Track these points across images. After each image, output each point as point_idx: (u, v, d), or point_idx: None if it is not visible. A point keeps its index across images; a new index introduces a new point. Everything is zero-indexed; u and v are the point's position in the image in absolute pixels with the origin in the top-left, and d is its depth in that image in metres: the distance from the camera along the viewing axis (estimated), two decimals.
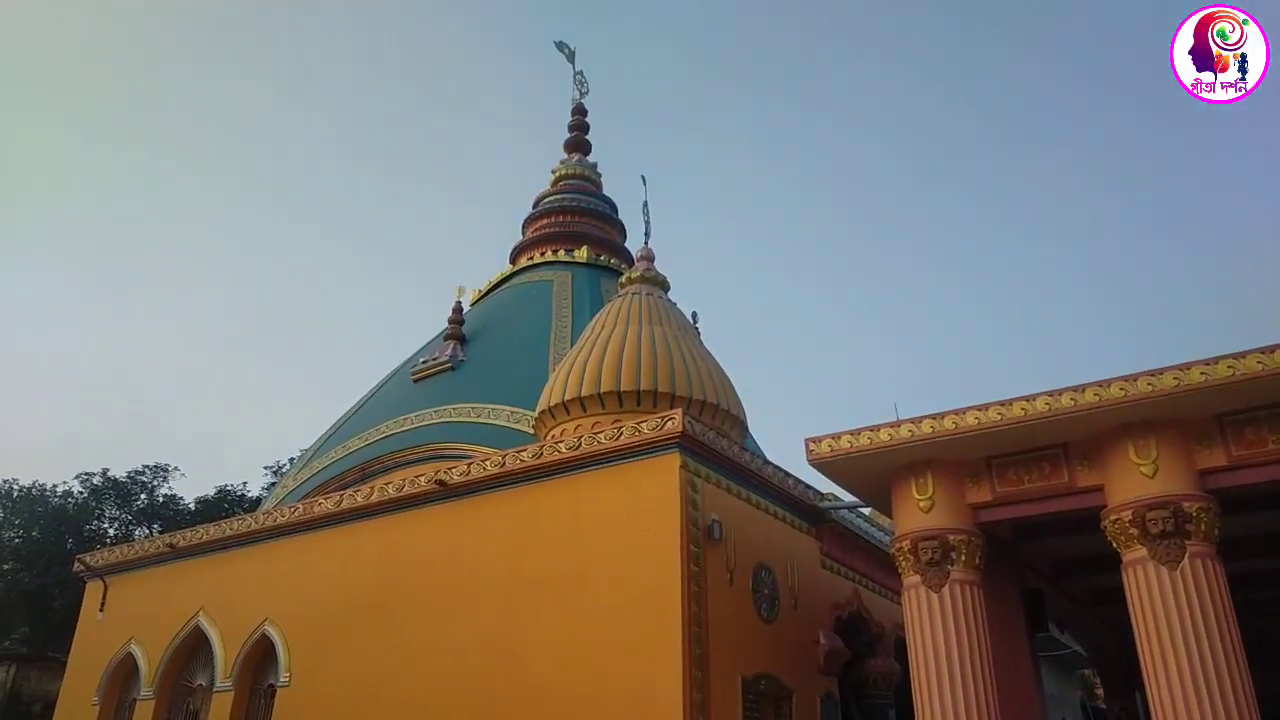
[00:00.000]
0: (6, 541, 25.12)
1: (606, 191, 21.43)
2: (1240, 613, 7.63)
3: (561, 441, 10.37)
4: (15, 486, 25.72)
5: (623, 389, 11.55)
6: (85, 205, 60.51)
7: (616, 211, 21.04)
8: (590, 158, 21.91)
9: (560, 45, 22.59)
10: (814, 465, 9.00)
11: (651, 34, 67.76)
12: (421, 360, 17.20)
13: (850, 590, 11.89)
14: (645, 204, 14.12)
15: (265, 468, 28.03)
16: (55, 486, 26.07)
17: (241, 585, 12.67)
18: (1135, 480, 7.92)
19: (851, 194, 68.61)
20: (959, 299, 66.37)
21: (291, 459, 23.90)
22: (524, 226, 20.81)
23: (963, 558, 8.55)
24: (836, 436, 8.79)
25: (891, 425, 8.57)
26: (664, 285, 13.59)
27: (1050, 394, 7.93)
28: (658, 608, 8.83)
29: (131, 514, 26.33)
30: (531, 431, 12.84)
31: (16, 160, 58.11)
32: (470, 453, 12.75)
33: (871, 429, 8.65)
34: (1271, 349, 7.20)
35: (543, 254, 19.38)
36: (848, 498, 10.58)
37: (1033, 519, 8.84)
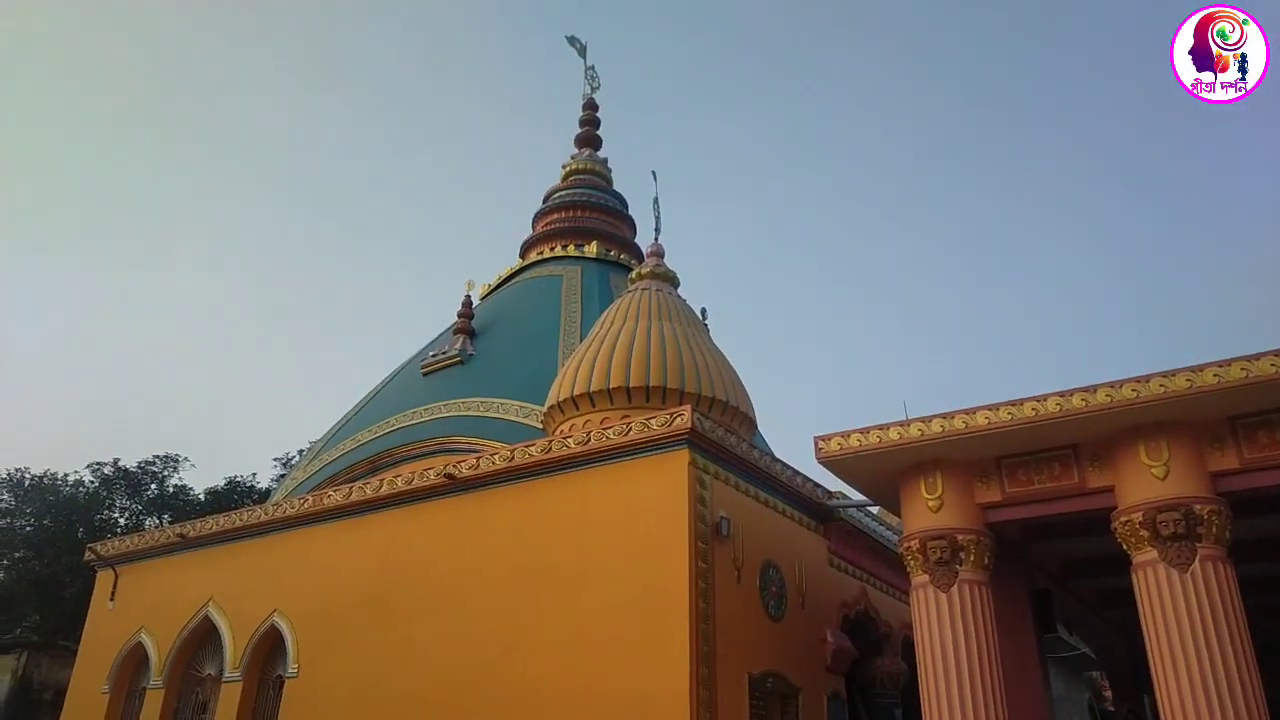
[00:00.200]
0: (18, 530, 25.34)
1: (617, 187, 21.44)
2: (1251, 616, 7.59)
3: (570, 437, 10.38)
4: (27, 475, 25.95)
5: (632, 385, 11.55)
6: (97, 195, 60.84)
7: (627, 207, 21.04)
8: (601, 153, 21.91)
9: (572, 40, 22.61)
10: (823, 463, 8.98)
11: (663, 29, 67.60)
12: (431, 354, 17.24)
13: (858, 589, 11.87)
14: (656, 199, 14.11)
15: (274, 459, 28.23)
16: (66, 476, 26.31)
17: (251, 576, 12.73)
18: (1146, 482, 7.88)
19: (863, 191, 68.39)
20: (969, 298, 66.12)
21: (301, 451, 24.04)
22: (534, 221, 20.82)
23: (971, 558, 8.53)
24: (846, 435, 8.77)
25: (901, 424, 8.54)
26: (674, 281, 13.58)
27: (1061, 394, 7.89)
28: (665, 604, 8.83)
29: (142, 504, 26.53)
30: (540, 426, 12.85)
31: (29, 150, 58.44)
32: (479, 447, 12.79)
33: (881, 428, 8.63)
34: None
35: (552, 249, 19.39)
36: (856, 496, 10.55)
37: (1042, 520, 8.81)
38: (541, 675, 9.32)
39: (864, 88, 65.16)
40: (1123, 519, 7.97)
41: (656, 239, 14.06)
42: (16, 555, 24.77)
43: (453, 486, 11.02)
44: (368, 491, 11.93)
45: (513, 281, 19.35)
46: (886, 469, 8.96)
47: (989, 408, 8.15)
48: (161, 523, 24.04)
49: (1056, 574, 11.04)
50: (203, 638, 13.14)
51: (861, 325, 68.21)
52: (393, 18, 65.83)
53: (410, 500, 11.45)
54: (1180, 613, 7.50)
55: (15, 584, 23.93)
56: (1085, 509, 8.35)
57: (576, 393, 11.88)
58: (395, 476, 11.95)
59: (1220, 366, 7.35)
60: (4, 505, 25.73)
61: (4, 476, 25.70)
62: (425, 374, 16.82)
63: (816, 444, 8.90)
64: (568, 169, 21.31)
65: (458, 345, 16.85)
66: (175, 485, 27.11)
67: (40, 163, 59.27)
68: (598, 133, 22.08)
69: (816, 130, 67.34)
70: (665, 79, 68.09)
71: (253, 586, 12.58)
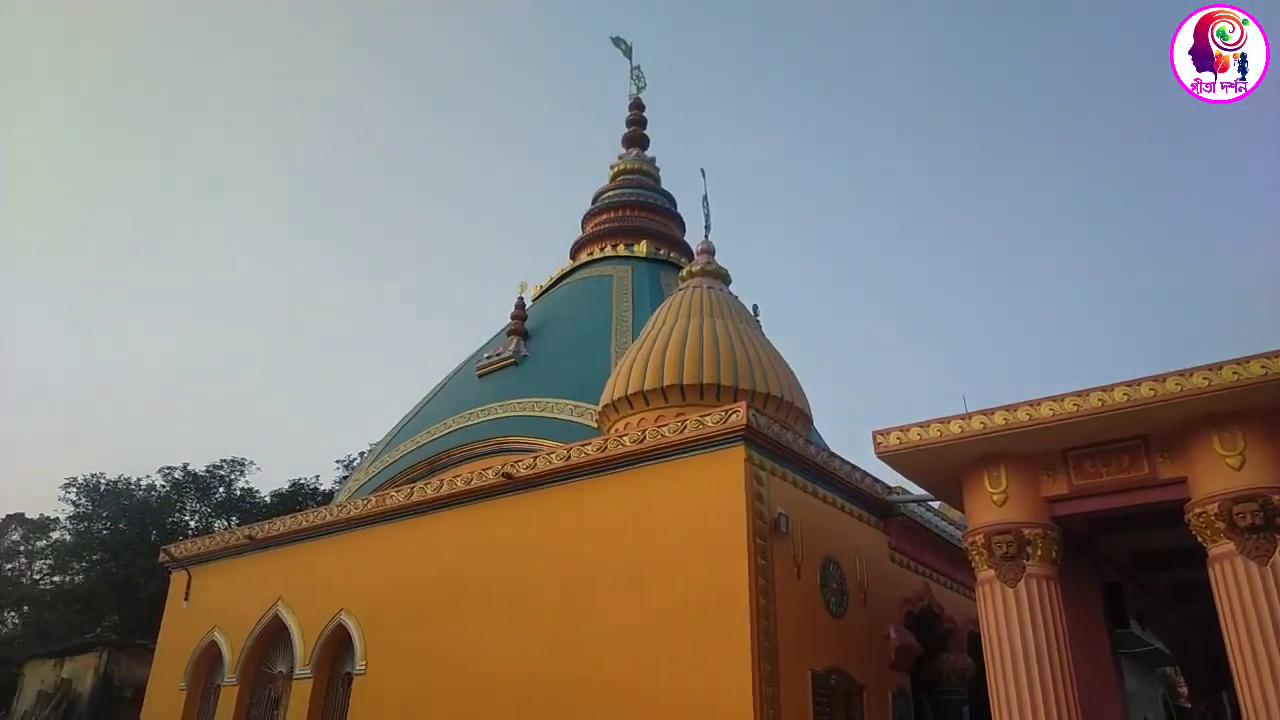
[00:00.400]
0: (95, 533, 26.31)
1: (665, 185, 21.43)
2: None
3: (625, 435, 10.42)
4: (102, 480, 26.92)
5: (686, 382, 11.55)
6: (157, 197, 62.74)
7: (675, 205, 21.02)
8: (648, 152, 21.93)
9: (617, 41, 22.64)
10: (882, 458, 8.87)
11: (708, 26, 67.37)
12: (486, 356, 17.44)
13: (920, 585, 11.71)
14: (705, 197, 14.07)
15: (337, 461, 28.82)
16: (139, 480, 27.22)
17: (317, 576, 13.03)
18: (1221, 472, 7.63)
19: (918, 182, 67.36)
20: (1030, 290, 64.73)
21: (362, 453, 24.50)
22: (584, 222, 20.93)
23: (1039, 552, 8.35)
24: (905, 429, 8.65)
25: (962, 417, 8.40)
26: (725, 278, 13.53)
27: (1129, 384, 7.68)
28: (725, 601, 8.83)
29: (210, 507, 27.33)
30: (595, 426, 12.92)
31: (97, 152, 60.49)
32: (535, 446, 12.89)
33: (941, 421, 8.49)
34: None
35: (602, 249, 19.46)
36: (917, 491, 10.40)
37: (1111, 512, 8.59)
38: (603, 672, 9.37)
39: (909, 78, 64.18)
40: (1197, 511, 7.73)
41: (706, 236, 14.03)
42: (94, 558, 25.72)
43: (511, 486, 11.15)
44: (428, 492, 12.12)
45: (564, 282, 19.48)
46: (948, 463, 8.82)
47: (1053, 399, 7.97)
48: (230, 525, 24.73)
49: (1128, 567, 10.75)
50: (274, 636, 13.48)
51: (918, 319, 67.25)
52: (439, 22, 66.71)
53: (470, 500, 11.61)
54: (1260, 606, 7.25)
55: (95, 585, 24.84)
56: (1156, 501, 8.12)
57: (630, 391, 11.92)
58: (455, 477, 12.12)
59: None
60: (82, 510, 26.74)
61: (81, 482, 26.70)
62: (481, 375, 17.03)
63: (875, 439, 8.79)
64: (616, 169, 21.37)
65: (512, 347, 17.03)
66: (242, 488, 27.87)
67: (105, 164, 61.36)
68: (644, 132, 22.10)
69: (864, 123, 66.52)
70: (712, 76, 67.89)
71: (319, 586, 12.88)
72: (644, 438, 10.09)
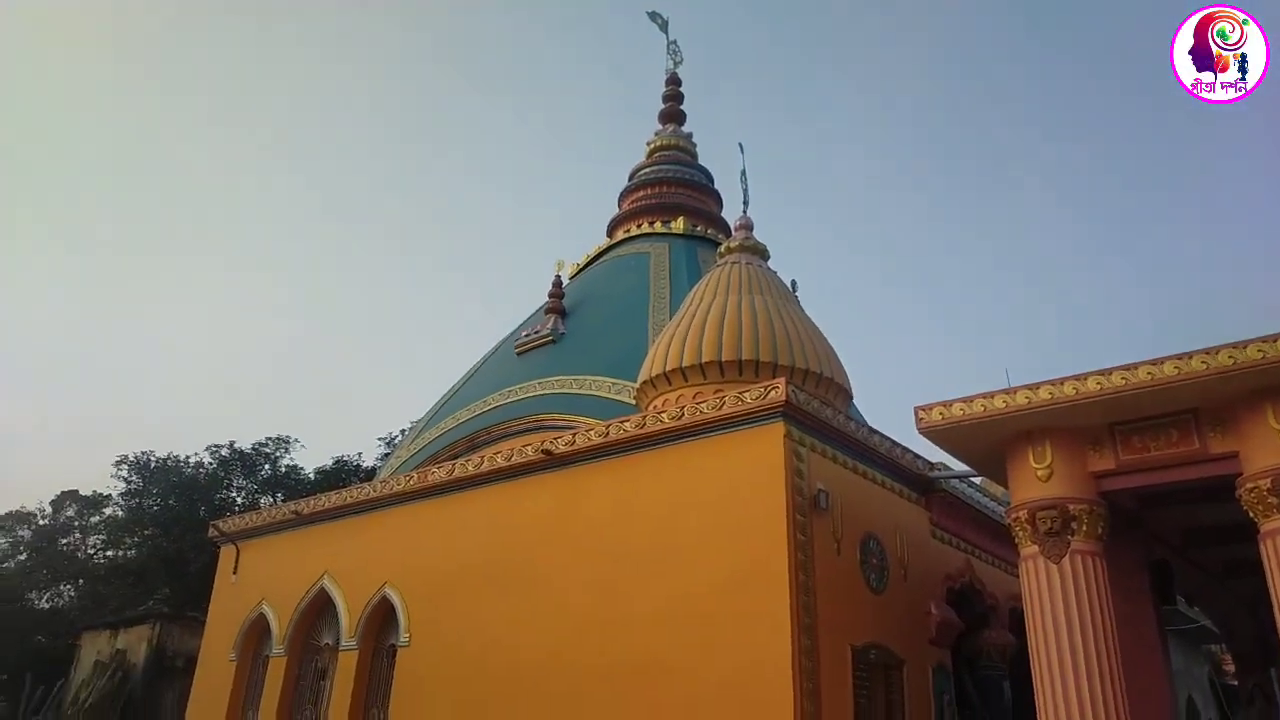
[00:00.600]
0: (146, 509, 27.02)
1: (702, 161, 21.26)
2: None
3: (664, 412, 10.43)
4: (152, 458, 27.59)
5: (724, 359, 11.52)
6: (200, 179, 63.73)
7: (712, 181, 20.85)
8: (685, 128, 21.73)
9: (653, 15, 22.41)
10: (924, 434, 8.80)
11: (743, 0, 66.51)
12: (524, 334, 17.53)
13: (962, 561, 11.63)
14: (743, 172, 13.94)
15: (378, 439, 29.21)
16: (188, 458, 27.85)
17: (362, 550, 13.26)
18: (1275, 446, 7.47)
19: (957, 155, 66.22)
20: (1070, 264, 63.49)
21: (403, 430, 24.81)
22: (620, 199, 20.86)
23: (1084, 528, 8.24)
24: (948, 404, 8.57)
25: (1006, 392, 8.29)
26: (763, 254, 13.43)
27: (1179, 357, 7.52)
28: (765, 576, 8.84)
29: (257, 483, 27.91)
30: (633, 402, 12.95)
31: (143, 134, 61.55)
32: (574, 423, 12.97)
33: (985, 396, 8.39)
34: None
35: (639, 226, 19.40)
36: (958, 466, 10.31)
37: (1160, 488, 8.44)
38: (643, 646, 9.45)
39: (948, 51, 62.92)
40: (1249, 486, 7.58)
41: (745, 212, 13.92)
42: (146, 533, 26.43)
43: (550, 462, 11.23)
44: (469, 468, 12.26)
45: (601, 260, 19.47)
46: (991, 438, 8.72)
47: (1101, 373, 7.83)
48: (275, 501, 25.24)
49: (1176, 544, 10.58)
50: (320, 609, 13.77)
51: (960, 296, 66.31)
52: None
53: (510, 476, 11.72)
54: None
55: (146, 559, 25.54)
56: (1207, 476, 7.97)
57: (669, 368, 11.91)
58: (495, 453, 12.24)
59: None
60: (134, 486, 27.47)
61: (132, 460, 27.39)
62: (519, 353, 17.13)
63: (917, 414, 8.72)
64: (652, 145, 21.23)
65: (549, 325, 17.09)
66: (287, 465, 28.41)
67: (153, 145, 62.43)
68: (681, 108, 21.87)
69: (906, 97, 65.39)
70: (747, 50, 67.12)
71: (364, 560, 13.11)
72: (683, 414, 10.10)
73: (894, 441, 10.94)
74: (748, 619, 8.81)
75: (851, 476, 10.15)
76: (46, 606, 28.17)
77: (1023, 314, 64.94)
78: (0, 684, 24.72)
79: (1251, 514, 7.64)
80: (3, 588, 27.74)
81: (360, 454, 29.05)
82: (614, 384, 14.34)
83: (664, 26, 22.36)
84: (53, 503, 30.50)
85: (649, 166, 20.74)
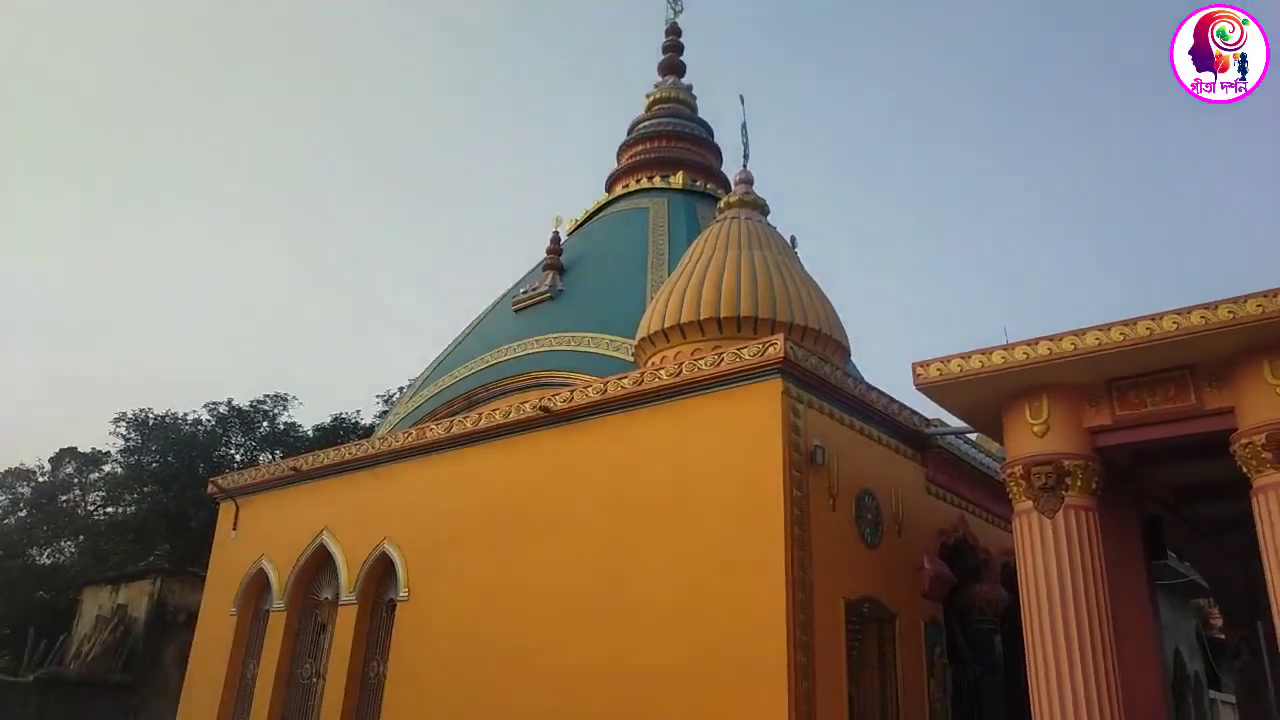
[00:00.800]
0: (145, 466, 27.14)
1: (702, 114, 20.99)
2: None
3: (662, 368, 10.42)
4: (151, 415, 27.64)
5: (723, 315, 11.49)
6: (194, 137, 63.01)
7: (712, 135, 20.60)
8: (685, 80, 21.42)
9: None
10: (921, 389, 8.81)
11: None
12: (522, 290, 17.46)
13: (956, 516, 11.72)
14: (744, 125, 13.76)
15: (377, 396, 29.27)
16: (186, 415, 27.92)
17: (361, 506, 13.33)
18: (1270, 402, 7.48)
19: (960, 109, 65.51)
20: (1068, 219, 63.20)
21: (401, 388, 24.84)
22: (619, 154, 20.63)
23: (1078, 483, 8.29)
24: (946, 360, 8.56)
25: (1005, 348, 8.28)
26: (763, 209, 13.32)
27: (1178, 312, 7.50)
28: (761, 531, 8.90)
29: (255, 440, 28.01)
30: (631, 359, 12.94)
31: (133, 90, 60.71)
32: (572, 380, 12.97)
33: (983, 352, 8.38)
34: None
35: (638, 181, 19.22)
36: (955, 423, 10.33)
37: (1155, 443, 8.48)
38: (641, 599, 9.54)
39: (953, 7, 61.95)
40: (1243, 441, 7.61)
41: (745, 166, 13.77)
42: (145, 490, 26.58)
43: (548, 419, 11.24)
44: (467, 425, 12.27)
45: (599, 216, 19.32)
46: (989, 394, 8.73)
47: (1099, 328, 7.82)
48: (274, 458, 25.35)
49: (1169, 500, 10.66)
50: (319, 564, 13.88)
51: (958, 251, 66.10)
52: None
53: (508, 433, 11.74)
54: None
55: (146, 516, 25.71)
56: (1202, 431, 8.00)
57: (667, 325, 11.88)
58: (492, 410, 12.24)
59: None
60: (132, 444, 27.55)
61: (130, 417, 27.44)
62: (517, 310, 17.08)
63: (915, 370, 8.72)
64: (651, 98, 20.93)
65: (547, 281, 17.01)
66: (285, 423, 28.50)
67: (145, 103, 61.61)
68: (681, 59, 21.52)
69: (904, 51, 64.51)
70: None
71: (363, 516, 13.19)
72: (681, 371, 10.09)
73: (891, 398, 10.96)
74: (744, 573, 8.89)
75: (848, 432, 10.18)
76: (48, 562, 28.43)
77: (1024, 273, 64.82)
78: (3, 638, 25.01)
79: (1245, 469, 7.68)
80: (4, 544, 27.98)
81: (359, 411, 29.15)
82: (612, 341, 14.32)
83: None
84: (52, 460, 30.65)
85: (648, 120, 20.49)
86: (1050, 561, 8.20)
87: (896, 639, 10.04)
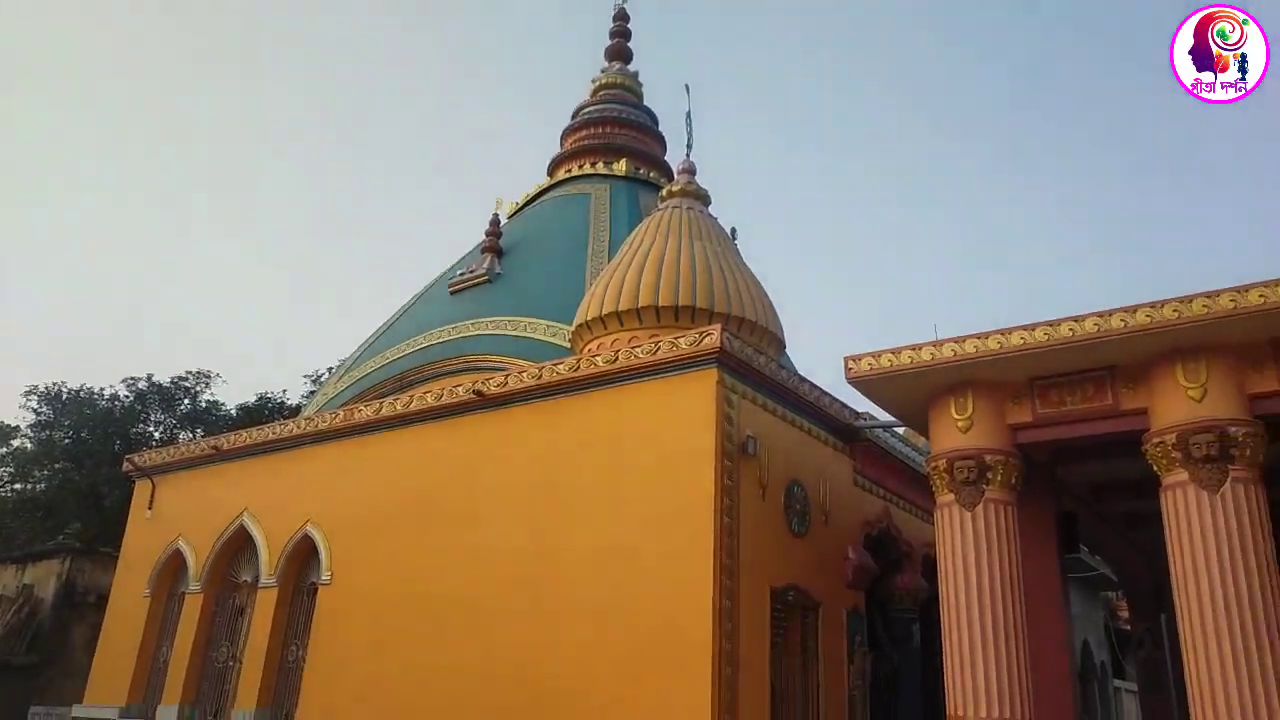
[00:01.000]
0: (57, 442, 26.01)
1: (647, 102, 20.93)
2: None
3: (599, 355, 10.38)
4: (64, 389, 26.49)
5: (661, 304, 11.49)
6: (127, 109, 60.55)
7: (657, 123, 20.57)
8: (632, 66, 21.32)
9: None
10: (852, 383, 8.94)
11: None
12: (458, 273, 17.21)
13: (881, 508, 11.97)
14: (688, 115, 13.75)
15: (304, 376, 28.59)
16: (102, 390, 26.82)
17: (284, 488, 13.02)
18: (1181, 404, 7.79)
19: (905, 107, 66.65)
20: (1004, 220, 64.96)
21: (330, 369, 24.29)
22: (563, 138, 20.45)
23: (999, 478, 8.53)
24: (877, 355, 8.70)
25: (934, 344, 8.45)
26: (705, 199, 13.35)
27: (1100, 315, 7.74)
28: (691, 520, 8.95)
29: (175, 418, 27.09)
30: (568, 345, 12.87)
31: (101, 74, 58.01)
32: (507, 365, 12.84)
33: (913, 348, 8.54)
34: None
35: (580, 166, 19.10)
36: (884, 416, 10.54)
37: (1073, 441, 8.76)
38: (571, 585, 9.53)
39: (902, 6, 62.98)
40: (1155, 440, 7.91)
41: (688, 156, 13.77)
42: (56, 466, 25.49)
43: (482, 403, 11.11)
44: (397, 407, 12.06)
45: (541, 200, 19.14)
46: (917, 389, 8.91)
47: (1024, 328, 8.03)
48: (195, 436, 24.57)
49: (1084, 496, 11.04)
50: (239, 546, 13.53)
51: (893, 247, 67.40)
52: None
53: (440, 416, 11.58)
54: (1207, 533, 7.48)
55: (57, 493, 24.69)
56: (1117, 430, 8.28)
57: (605, 312, 11.84)
58: (425, 393, 12.05)
59: (1266, 287, 7.17)
60: (43, 418, 26.37)
61: (42, 390, 26.27)
62: (453, 293, 16.83)
63: (846, 364, 8.84)
64: (597, 84, 20.78)
65: (485, 264, 16.79)
66: (207, 401, 27.62)
67: (101, 82, 58.92)
68: (629, 45, 21.42)
69: (853, 44, 65.38)
70: None
71: (286, 498, 12.88)
72: (617, 358, 10.06)
73: (823, 391, 11.12)
74: (673, 560, 8.93)
75: (780, 424, 10.29)
76: None
77: (963, 271, 66.39)
78: None
79: (1156, 468, 7.98)
80: None
81: (285, 391, 28.43)
82: (550, 326, 14.22)
83: None
84: None
85: (593, 105, 20.34)
86: (969, 553, 8.42)
87: (819, 627, 10.24)
